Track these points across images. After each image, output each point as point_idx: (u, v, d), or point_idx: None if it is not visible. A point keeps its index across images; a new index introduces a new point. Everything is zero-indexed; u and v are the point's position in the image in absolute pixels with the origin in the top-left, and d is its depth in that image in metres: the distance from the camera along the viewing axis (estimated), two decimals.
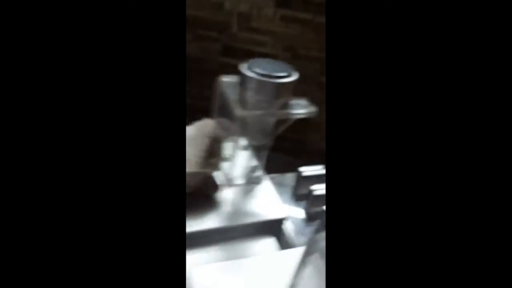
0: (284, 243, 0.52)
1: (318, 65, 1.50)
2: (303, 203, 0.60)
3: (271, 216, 0.53)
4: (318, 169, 0.63)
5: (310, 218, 0.58)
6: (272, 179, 0.61)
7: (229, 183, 0.58)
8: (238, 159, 0.63)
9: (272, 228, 0.53)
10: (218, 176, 0.57)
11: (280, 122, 0.54)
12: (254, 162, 0.60)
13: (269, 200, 0.56)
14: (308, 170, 0.63)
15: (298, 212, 0.59)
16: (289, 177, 0.65)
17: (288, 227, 0.54)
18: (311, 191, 0.57)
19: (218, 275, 0.42)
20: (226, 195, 0.55)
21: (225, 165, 0.60)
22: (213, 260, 0.47)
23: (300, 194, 0.62)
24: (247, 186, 0.58)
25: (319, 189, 0.58)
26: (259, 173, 0.59)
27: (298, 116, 0.52)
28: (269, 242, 0.52)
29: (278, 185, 0.63)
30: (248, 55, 1.00)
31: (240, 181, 0.59)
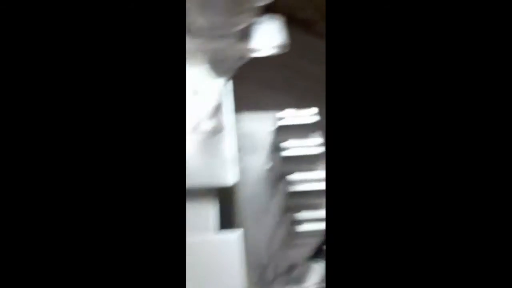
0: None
1: None
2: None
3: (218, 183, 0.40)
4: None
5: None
6: (239, 122, 0.47)
7: (195, 129, 0.44)
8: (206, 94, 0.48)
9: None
10: None
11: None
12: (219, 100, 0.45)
13: (222, 160, 0.41)
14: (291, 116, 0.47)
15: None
16: (265, 119, 0.49)
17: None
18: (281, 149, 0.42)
19: None
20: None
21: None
22: None
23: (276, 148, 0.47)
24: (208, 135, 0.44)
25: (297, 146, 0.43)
26: (220, 117, 0.44)
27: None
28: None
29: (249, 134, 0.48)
30: None
31: (207, 125, 0.44)
